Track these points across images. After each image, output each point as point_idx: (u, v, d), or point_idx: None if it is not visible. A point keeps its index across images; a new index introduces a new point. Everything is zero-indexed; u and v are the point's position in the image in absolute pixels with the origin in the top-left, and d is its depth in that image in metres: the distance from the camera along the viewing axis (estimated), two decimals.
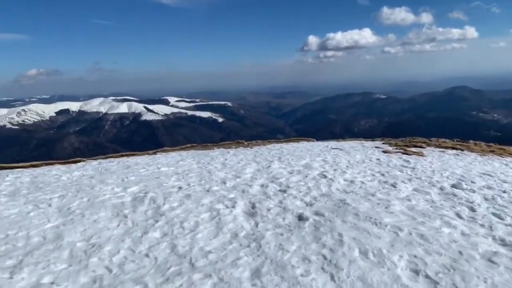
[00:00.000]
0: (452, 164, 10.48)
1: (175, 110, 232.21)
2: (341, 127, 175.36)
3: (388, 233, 4.86)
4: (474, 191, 7.13)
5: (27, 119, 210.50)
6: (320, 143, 16.76)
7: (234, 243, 4.63)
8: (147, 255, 4.33)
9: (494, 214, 5.78)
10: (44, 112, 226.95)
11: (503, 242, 4.65)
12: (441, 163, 10.60)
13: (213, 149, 14.96)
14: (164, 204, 6.27)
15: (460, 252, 4.30)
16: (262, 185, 7.56)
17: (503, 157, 12.36)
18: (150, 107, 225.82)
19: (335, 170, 9.07)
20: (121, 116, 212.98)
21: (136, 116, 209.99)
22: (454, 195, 6.86)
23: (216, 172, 9.16)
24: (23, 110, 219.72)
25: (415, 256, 4.19)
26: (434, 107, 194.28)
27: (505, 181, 8.16)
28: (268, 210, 5.92)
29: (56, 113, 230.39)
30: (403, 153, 12.24)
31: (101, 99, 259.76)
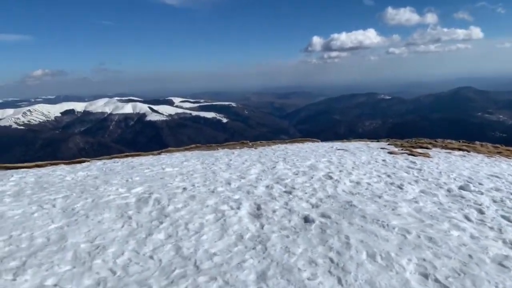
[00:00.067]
0: (459, 165, 10.37)
1: (180, 110, 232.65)
2: (345, 127, 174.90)
3: (396, 235, 4.78)
4: (482, 193, 7.03)
5: (33, 119, 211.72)
6: (324, 143, 16.67)
7: (239, 245, 4.57)
8: (151, 257, 4.28)
9: (503, 216, 5.69)
10: (49, 112, 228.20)
11: None
12: (448, 164, 10.50)
13: (218, 149, 14.91)
14: (168, 205, 6.22)
15: (470, 256, 4.21)
16: (267, 186, 7.50)
17: (510, 158, 12.23)
18: (155, 107, 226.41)
19: (340, 171, 8.99)
20: (126, 117, 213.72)
21: (141, 116, 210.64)
22: (462, 197, 6.77)
23: (220, 172, 9.11)
24: (29, 110, 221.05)
25: (424, 260, 4.11)
26: (439, 108, 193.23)
27: None
28: (274, 211, 5.85)
29: (61, 113, 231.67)
30: (409, 154, 12.14)
31: (106, 99, 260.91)
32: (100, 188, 7.64)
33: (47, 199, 6.82)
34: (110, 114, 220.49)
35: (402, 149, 13.54)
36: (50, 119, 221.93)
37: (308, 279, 3.75)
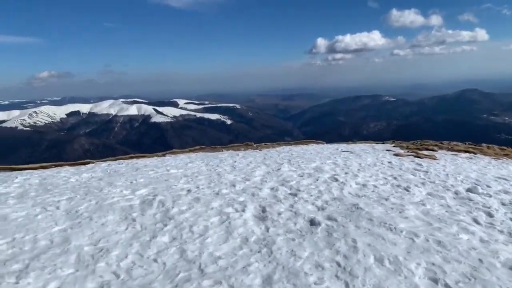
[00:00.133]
0: (466, 167, 10.25)
1: (184, 112, 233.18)
2: (349, 129, 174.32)
3: (404, 239, 4.70)
4: (490, 196, 6.92)
5: (39, 121, 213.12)
6: (329, 145, 16.58)
7: (244, 249, 4.50)
8: (155, 260, 4.23)
9: None
10: (55, 114, 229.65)
11: None
12: (455, 166, 10.38)
13: (222, 151, 14.87)
14: (173, 207, 6.17)
15: (480, 260, 4.12)
16: (272, 188, 7.43)
17: None
18: (160, 109, 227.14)
19: (346, 173, 8.91)
20: (131, 118, 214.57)
21: (146, 118, 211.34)
22: (470, 199, 6.66)
23: (225, 174, 9.05)
24: (35, 112, 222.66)
25: (433, 264, 4.02)
26: (443, 110, 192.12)
27: None
28: (279, 214, 5.78)
29: (66, 115, 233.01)
30: (415, 156, 12.03)
31: (111, 101, 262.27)
32: (104, 190, 7.60)
33: (51, 201, 6.78)
34: (115, 115, 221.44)
35: (407, 151, 13.42)
36: (55, 121, 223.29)
37: (315, 283, 3.68)
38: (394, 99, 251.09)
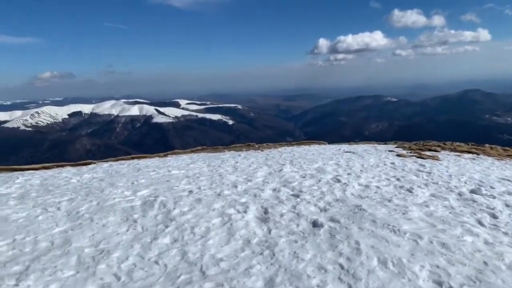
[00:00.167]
0: (469, 168, 10.19)
1: (186, 112, 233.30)
2: (351, 130, 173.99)
3: (408, 241, 4.64)
4: (494, 197, 6.87)
5: (41, 121, 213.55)
6: (332, 146, 16.53)
7: (246, 251, 4.46)
8: (156, 262, 4.19)
9: None
10: (57, 114, 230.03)
11: None
12: (458, 167, 10.32)
13: (224, 151, 14.83)
14: (174, 208, 6.13)
15: (485, 263, 4.07)
16: (274, 189, 7.38)
17: None
18: (161, 109, 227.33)
19: (348, 174, 8.86)
20: (133, 119, 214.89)
21: (147, 118, 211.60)
22: (474, 201, 6.60)
23: (227, 175, 9.01)
24: (37, 112, 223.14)
25: (438, 267, 3.97)
26: (446, 110, 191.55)
27: None
28: (281, 215, 5.74)
29: (68, 115, 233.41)
30: (417, 157, 11.97)
31: (113, 101, 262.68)
32: (105, 191, 7.57)
33: (52, 202, 6.75)
34: (117, 116, 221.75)
35: (410, 152, 13.36)
36: (57, 121, 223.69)
37: (318, 286, 3.64)
38: (396, 100, 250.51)
